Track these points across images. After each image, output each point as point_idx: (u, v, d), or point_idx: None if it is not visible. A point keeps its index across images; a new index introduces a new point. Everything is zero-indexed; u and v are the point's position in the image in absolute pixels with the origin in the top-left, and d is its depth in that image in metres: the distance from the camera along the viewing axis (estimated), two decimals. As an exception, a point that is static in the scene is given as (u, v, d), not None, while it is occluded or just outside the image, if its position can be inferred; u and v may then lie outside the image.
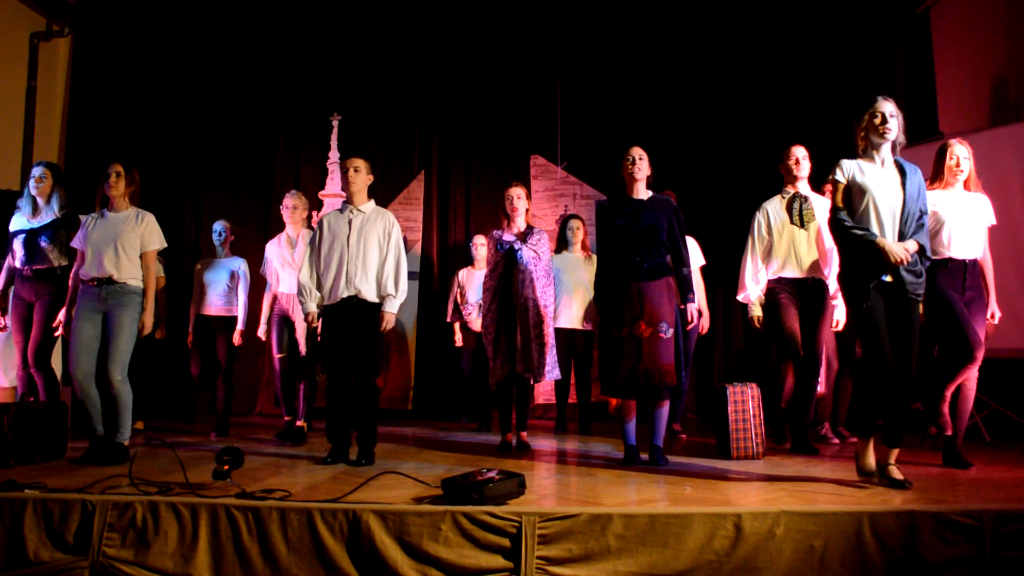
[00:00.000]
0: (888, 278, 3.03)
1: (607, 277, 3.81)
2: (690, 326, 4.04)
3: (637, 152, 3.82)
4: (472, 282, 5.81)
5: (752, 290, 4.10)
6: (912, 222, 3.06)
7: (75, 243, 3.94)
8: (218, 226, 5.35)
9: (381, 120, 7.07)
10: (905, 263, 3.01)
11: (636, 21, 6.99)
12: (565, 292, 5.31)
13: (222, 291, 5.20)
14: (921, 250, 3.06)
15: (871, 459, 3.06)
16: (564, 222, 5.60)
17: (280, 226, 5.13)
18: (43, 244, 4.25)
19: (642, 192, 3.85)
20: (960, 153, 3.70)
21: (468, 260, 6.27)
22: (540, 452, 4.31)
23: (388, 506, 2.56)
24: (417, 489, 2.94)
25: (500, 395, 4.34)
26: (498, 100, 7.04)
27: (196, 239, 6.86)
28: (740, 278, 4.16)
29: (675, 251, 3.81)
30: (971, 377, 3.61)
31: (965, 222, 3.67)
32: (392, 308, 3.86)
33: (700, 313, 5.16)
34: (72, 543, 2.56)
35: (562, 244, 5.53)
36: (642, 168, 3.81)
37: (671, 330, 3.66)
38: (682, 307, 3.81)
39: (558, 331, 5.22)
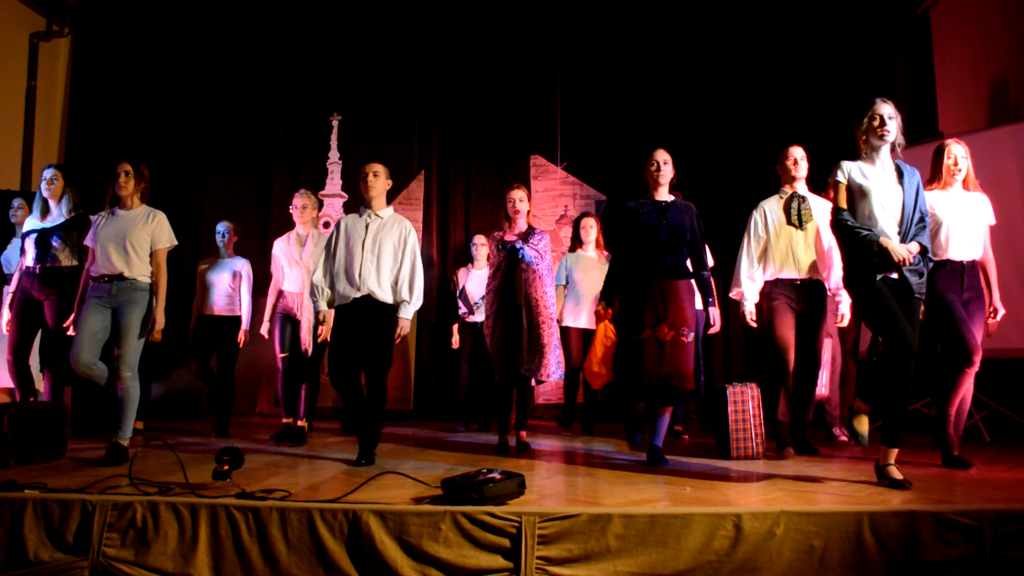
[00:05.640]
0: (894, 276, 3.05)
1: (626, 275, 3.80)
2: (712, 329, 4.07)
3: (662, 157, 3.82)
4: (472, 281, 5.80)
5: (747, 287, 4.09)
6: (913, 223, 3.07)
7: (86, 241, 3.96)
8: (221, 227, 5.36)
9: (381, 120, 7.08)
10: (908, 263, 3.02)
11: (636, 21, 7.00)
12: (577, 292, 5.26)
13: (225, 291, 5.21)
14: (923, 251, 3.08)
15: (897, 470, 3.01)
16: (577, 220, 5.57)
17: (280, 226, 5.13)
18: (55, 244, 4.28)
19: (665, 195, 3.86)
20: (958, 152, 3.70)
21: (468, 260, 6.27)
22: (540, 452, 4.31)
23: (388, 506, 2.56)
24: (417, 489, 2.94)
25: (499, 396, 4.34)
26: (498, 100, 7.05)
27: (196, 239, 6.86)
28: (734, 275, 4.16)
29: (696, 254, 3.84)
30: (970, 374, 3.61)
31: (964, 223, 3.67)
32: (407, 315, 3.87)
33: None
34: (72, 543, 2.55)
35: (576, 243, 5.50)
36: (666, 173, 3.82)
37: (691, 335, 3.67)
38: (702, 310, 3.82)
39: (569, 330, 5.22)
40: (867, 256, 3.06)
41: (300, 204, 4.87)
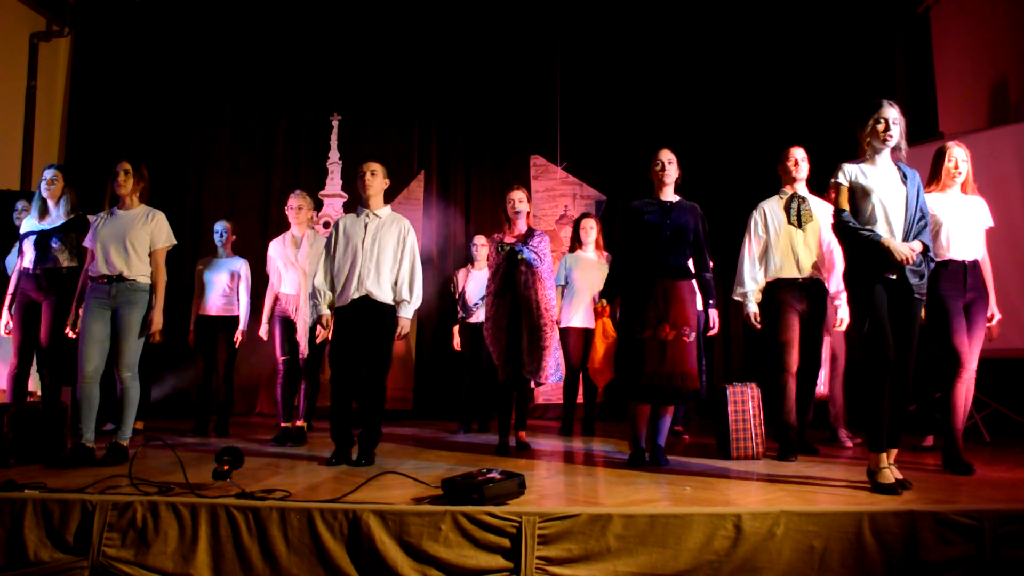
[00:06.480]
0: (893, 276, 3.04)
1: (628, 274, 3.79)
2: (712, 332, 4.07)
3: (666, 156, 3.82)
4: (472, 282, 5.80)
5: (749, 287, 4.09)
6: (916, 223, 3.07)
7: (86, 242, 3.95)
8: (219, 227, 5.35)
9: (381, 120, 7.08)
10: (911, 262, 3.01)
11: (636, 21, 7.00)
12: (576, 292, 5.27)
13: (223, 291, 5.20)
14: (925, 250, 3.07)
15: (887, 474, 2.97)
16: (577, 221, 5.58)
17: (280, 226, 5.11)
18: (54, 245, 4.27)
19: (670, 195, 3.85)
20: (958, 155, 3.70)
21: (468, 260, 6.27)
22: (540, 452, 4.31)
23: (388, 506, 2.56)
24: (417, 489, 2.94)
25: (499, 397, 4.34)
26: (498, 100, 7.05)
27: (196, 239, 6.86)
28: (737, 276, 4.16)
29: (699, 255, 3.83)
30: (969, 378, 3.61)
31: (964, 224, 3.67)
32: (407, 314, 3.87)
33: None
34: (72, 543, 2.55)
35: (575, 243, 5.50)
36: (671, 172, 3.82)
37: (693, 334, 3.66)
38: (704, 311, 3.82)
39: (569, 330, 5.23)
40: (868, 256, 3.05)
41: (295, 205, 4.84)
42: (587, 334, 5.21)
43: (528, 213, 4.43)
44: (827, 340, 4.50)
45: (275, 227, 6.42)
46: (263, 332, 4.94)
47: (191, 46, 7.03)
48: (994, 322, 3.75)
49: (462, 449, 4.45)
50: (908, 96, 6.41)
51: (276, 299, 4.84)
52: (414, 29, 7.06)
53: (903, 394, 3.04)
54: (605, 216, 6.68)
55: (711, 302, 3.91)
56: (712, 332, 4.13)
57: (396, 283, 3.87)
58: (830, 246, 4.03)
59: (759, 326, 4.09)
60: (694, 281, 3.81)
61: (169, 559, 2.51)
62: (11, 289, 4.42)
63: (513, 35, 7.05)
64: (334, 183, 7.05)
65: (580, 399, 5.57)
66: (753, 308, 4.07)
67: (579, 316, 5.26)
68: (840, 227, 3.15)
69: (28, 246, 4.32)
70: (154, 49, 6.98)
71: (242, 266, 5.29)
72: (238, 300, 5.23)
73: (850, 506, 2.56)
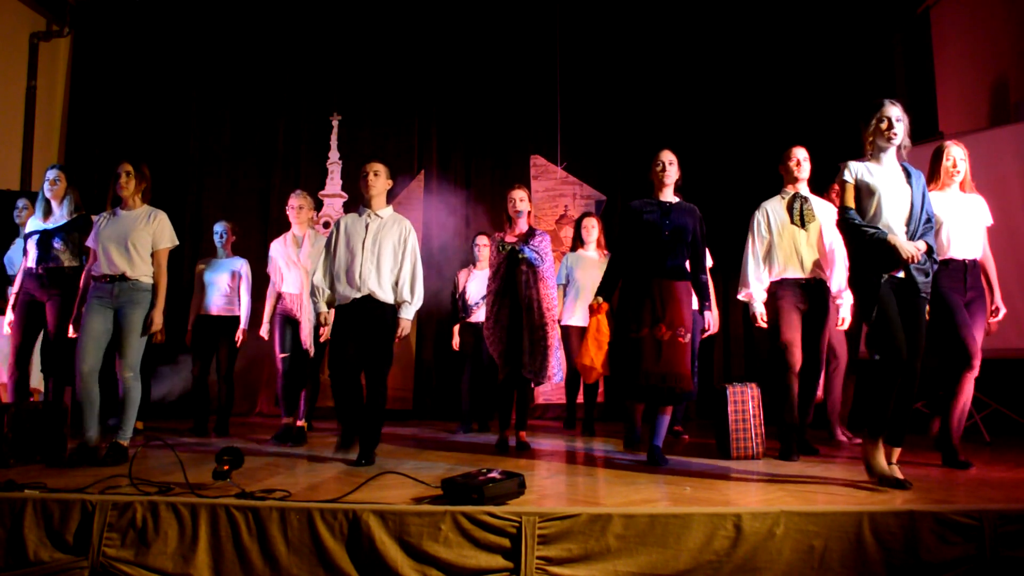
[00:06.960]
0: (901, 275, 3.05)
1: (625, 273, 3.79)
2: (707, 333, 4.07)
3: (667, 157, 3.83)
4: (473, 282, 5.80)
5: (754, 288, 4.09)
6: (921, 223, 3.08)
7: (88, 242, 3.96)
8: (219, 227, 5.36)
9: (381, 120, 7.08)
10: (916, 260, 3.02)
11: (636, 21, 7.00)
12: (579, 291, 5.27)
13: (223, 291, 5.21)
14: (929, 250, 3.08)
15: (882, 460, 3.02)
16: (579, 220, 5.58)
17: (280, 226, 5.12)
18: (56, 245, 4.28)
19: (670, 196, 3.86)
20: (956, 154, 3.71)
21: (468, 260, 6.26)
22: (540, 452, 4.31)
23: (388, 506, 2.56)
24: (417, 489, 2.94)
25: (500, 394, 4.34)
26: (498, 100, 7.05)
27: (196, 239, 6.87)
28: (741, 276, 4.16)
29: (696, 257, 3.83)
30: (970, 378, 3.62)
31: (963, 223, 3.68)
32: (408, 315, 3.87)
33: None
34: (72, 543, 2.55)
35: (577, 242, 5.51)
36: (671, 173, 3.82)
37: (688, 335, 3.67)
38: (699, 313, 3.83)
39: (570, 329, 5.23)
40: (874, 254, 3.05)
41: (296, 204, 4.85)
42: (584, 332, 5.22)
43: (529, 212, 4.44)
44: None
45: (275, 227, 6.42)
46: (264, 331, 4.95)
47: (191, 46, 7.04)
48: (999, 316, 3.75)
49: (462, 449, 4.45)
50: (908, 96, 6.41)
51: (278, 298, 4.86)
52: (414, 29, 7.06)
53: (909, 393, 3.04)
54: (605, 216, 6.68)
55: (706, 304, 3.91)
56: (710, 333, 4.13)
57: (397, 284, 3.88)
58: (832, 246, 4.03)
59: (765, 325, 4.09)
60: (689, 282, 3.81)
61: (169, 559, 2.51)
62: (15, 288, 4.44)
63: (513, 35, 7.05)
64: (334, 183, 7.05)
65: (580, 399, 5.57)
66: (759, 308, 4.08)
67: (580, 315, 5.25)
68: (845, 225, 3.14)
69: (31, 245, 4.34)
70: (154, 49, 6.98)
71: (243, 266, 5.30)
72: (239, 300, 5.24)
73: (850, 506, 2.56)
